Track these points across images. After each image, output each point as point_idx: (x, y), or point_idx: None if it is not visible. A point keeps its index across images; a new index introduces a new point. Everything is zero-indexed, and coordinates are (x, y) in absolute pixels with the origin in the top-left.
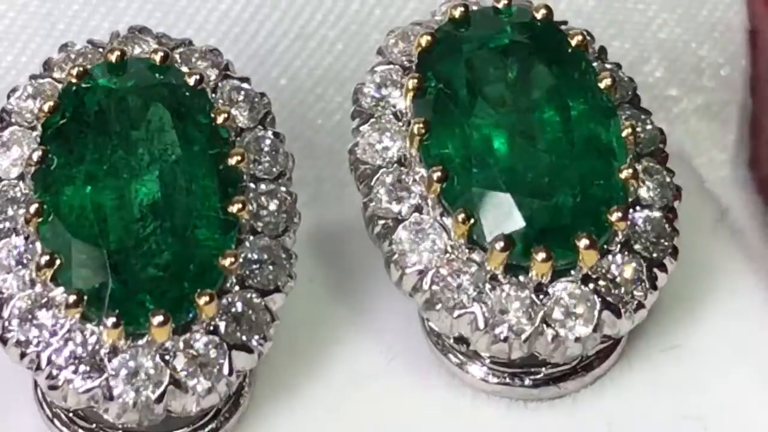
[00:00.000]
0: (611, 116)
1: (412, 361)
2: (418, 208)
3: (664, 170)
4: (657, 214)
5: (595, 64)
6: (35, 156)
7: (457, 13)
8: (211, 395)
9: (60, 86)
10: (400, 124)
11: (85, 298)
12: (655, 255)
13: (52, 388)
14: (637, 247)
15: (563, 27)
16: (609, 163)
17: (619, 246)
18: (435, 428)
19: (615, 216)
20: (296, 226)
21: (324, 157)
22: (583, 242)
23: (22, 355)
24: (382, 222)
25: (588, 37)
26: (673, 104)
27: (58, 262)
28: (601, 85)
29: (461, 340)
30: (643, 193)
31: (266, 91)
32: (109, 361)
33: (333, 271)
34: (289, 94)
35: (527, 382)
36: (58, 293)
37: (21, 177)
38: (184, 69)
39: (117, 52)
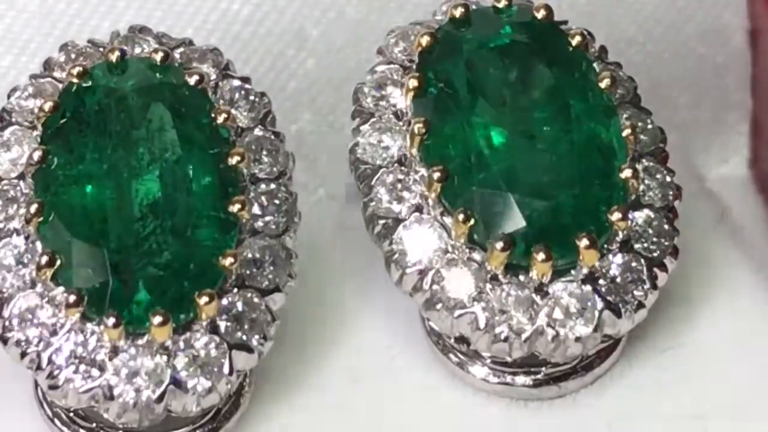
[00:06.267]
0: (611, 116)
1: (413, 360)
2: (418, 208)
3: (665, 170)
4: (657, 213)
5: (595, 63)
6: (35, 156)
7: (458, 12)
8: (211, 395)
9: (60, 86)
10: (401, 123)
11: (86, 297)
12: (655, 255)
13: (53, 387)
14: (637, 246)
15: (563, 27)
16: (609, 163)
17: (619, 246)
18: (435, 428)
19: (615, 216)
20: (296, 226)
21: (324, 157)
22: (583, 242)
23: (23, 355)
24: (382, 222)
25: (588, 37)
26: (673, 104)
27: (58, 261)
28: (602, 85)
29: (462, 339)
30: (643, 192)
31: (266, 91)
32: (110, 360)
33: (333, 271)
34: (289, 93)
35: (527, 381)
36: (59, 293)
37: (21, 177)
38: (185, 69)
39: (117, 52)
